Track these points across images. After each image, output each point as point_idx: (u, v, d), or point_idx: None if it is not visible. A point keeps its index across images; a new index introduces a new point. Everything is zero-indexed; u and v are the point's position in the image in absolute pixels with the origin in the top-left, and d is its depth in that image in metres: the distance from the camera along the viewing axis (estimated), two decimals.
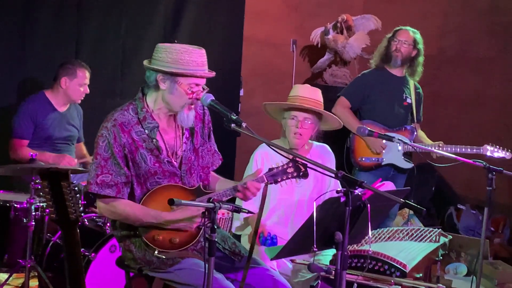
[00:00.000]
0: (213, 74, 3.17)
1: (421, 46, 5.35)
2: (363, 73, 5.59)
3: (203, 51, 3.14)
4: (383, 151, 5.23)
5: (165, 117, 3.21)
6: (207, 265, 2.75)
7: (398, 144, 5.14)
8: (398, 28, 5.46)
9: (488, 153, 5.05)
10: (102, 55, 5.77)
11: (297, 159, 3.17)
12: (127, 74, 5.83)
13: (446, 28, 7.23)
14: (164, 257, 3.10)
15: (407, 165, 5.32)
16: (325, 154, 4.18)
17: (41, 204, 4.15)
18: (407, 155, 5.33)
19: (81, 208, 4.45)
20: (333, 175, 2.82)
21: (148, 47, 5.81)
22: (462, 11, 7.13)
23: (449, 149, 5.09)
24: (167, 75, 3.09)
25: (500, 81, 6.87)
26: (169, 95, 3.13)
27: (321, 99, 4.10)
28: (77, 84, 4.99)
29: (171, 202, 2.74)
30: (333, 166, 4.18)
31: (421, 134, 5.43)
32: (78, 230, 2.49)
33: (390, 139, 4.11)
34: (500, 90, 6.86)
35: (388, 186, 3.83)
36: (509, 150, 5.09)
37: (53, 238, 4.32)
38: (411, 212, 6.33)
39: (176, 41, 3.20)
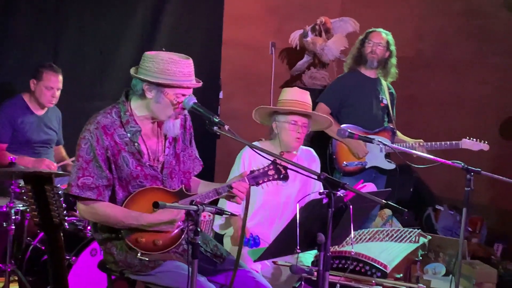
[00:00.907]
0: (199, 84, 3.18)
1: (393, 47, 5.41)
2: (338, 78, 5.64)
3: (190, 61, 3.15)
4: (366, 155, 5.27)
5: (149, 123, 3.22)
6: (190, 268, 2.76)
7: (380, 146, 5.18)
8: (370, 30, 5.51)
9: (467, 146, 5.13)
10: (81, 59, 5.74)
11: (278, 161, 3.20)
12: (106, 78, 5.80)
13: (422, 31, 7.29)
14: (147, 259, 3.10)
15: (390, 166, 5.37)
16: (311, 158, 4.25)
17: (21, 208, 4.13)
18: (389, 156, 5.38)
19: None
20: (316, 177, 2.85)
21: (127, 51, 5.82)
22: (438, 14, 7.19)
23: (428, 145, 5.14)
24: (153, 85, 3.10)
25: (476, 83, 6.95)
26: (155, 104, 3.13)
27: (310, 101, 4.19)
28: (43, 86, 4.95)
29: (155, 205, 2.75)
30: (318, 169, 4.22)
31: (400, 134, 5.48)
32: (61, 234, 2.48)
33: (370, 141, 4.16)
34: (476, 92, 6.94)
35: (369, 187, 3.86)
36: (486, 142, 5.16)
37: (33, 242, 4.30)
38: (390, 213, 6.38)
39: (163, 49, 3.19)
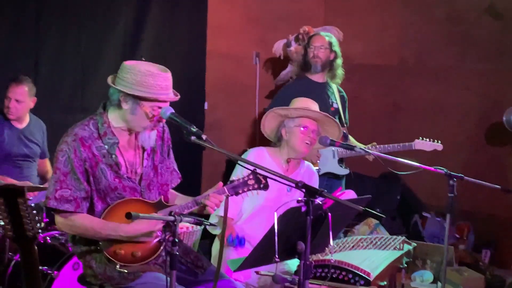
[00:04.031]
0: (177, 98, 3.16)
1: (337, 48, 5.35)
2: (285, 86, 5.59)
3: (169, 74, 3.13)
4: (319, 161, 5.21)
5: (126, 135, 3.20)
6: (168, 278, 2.74)
7: (333, 151, 5.16)
8: (312, 34, 5.50)
9: (420, 147, 5.13)
10: (62, 71, 5.71)
11: (259, 171, 3.18)
12: (87, 90, 5.78)
13: (405, 38, 7.31)
14: (126, 271, 3.07)
15: (344, 171, 5.33)
16: (310, 172, 4.27)
17: (1, 223, 4.08)
18: (342, 161, 5.34)
19: (43, 225, 4.41)
20: (294, 185, 2.83)
21: (109, 63, 5.80)
22: (420, 22, 7.22)
23: (382, 147, 5.11)
24: (129, 96, 3.08)
25: (459, 89, 6.97)
26: (130, 116, 3.11)
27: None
28: (4, 97, 4.91)
29: (128, 215, 2.73)
30: (317, 183, 4.24)
31: (352, 138, 5.42)
32: (36, 247, 2.44)
33: (352, 148, 4.14)
34: (459, 98, 6.96)
35: (349, 194, 3.86)
36: (439, 141, 5.16)
37: (15, 257, 4.26)
38: (377, 221, 6.36)
39: (143, 58, 3.17)
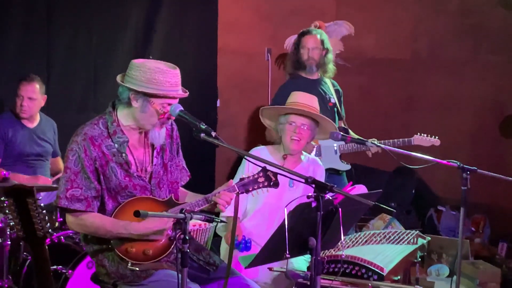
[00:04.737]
0: (186, 94, 3.16)
1: (328, 45, 5.32)
2: (280, 87, 5.48)
3: (177, 71, 3.13)
4: (320, 157, 5.17)
5: (136, 133, 3.20)
6: (180, 276, 2.74)
7: (335, 146, 5.14)
8: (303, 33, 5.38)
9: (418, 142, 5.10)
10: (74, 71, 5.74)
11: (269, 167, 3.17)
12: (99, 89, 5.81)
13: (417, 32, 7.27)
14: (137, 269, 3.08)
15: (345, 167, 5.29)
16: (315, 166, 4.24)
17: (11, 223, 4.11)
18: (343, 157, 5.31)
19: (57, 225, 4.44)
20: (303, 181, 2.82)
21: (120, 62, 5.82)
22: (432, 15, 7.18)
23: (382, 143, 5.08)
24: (139, 94, 3.08)
25: (472, 82, 6.93)
26: (140, 114, 3.12)
27: (318, 107, 4.16)
28: (15, 96, 4.94)
29: (136, 214, 2.73)
30: (323, 178, 4.20)
31: (352, 132, 5.38)
32: (46, 247, 2.46)
33: (363, 142, 4.12)
34: (473, 91, 6.92)
35: (360, 189, 3.83)
36: (436, 137, 5.13)
37: (29, 257, 4.28)
38: (391, 216, 6.33)
39: (150, 57, 3.17)
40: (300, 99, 4.14)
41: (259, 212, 4.08)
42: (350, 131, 5.33)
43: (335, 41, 6.96)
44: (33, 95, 4.96)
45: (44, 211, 2.42)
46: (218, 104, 6.94)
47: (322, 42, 5.31)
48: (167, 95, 3.08)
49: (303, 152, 4.21)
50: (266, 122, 4.30)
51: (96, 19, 5.86)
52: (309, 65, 5.29)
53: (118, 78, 3.17)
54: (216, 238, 5.15)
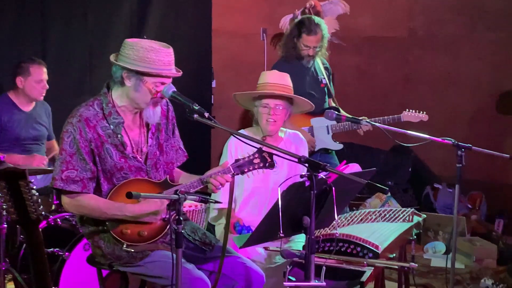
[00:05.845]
0: (179, 73, 3.15)
1: (326, 35, 5.26)
2: (273, 67, 5.34)
3: (171, 50, 3.12)
4: (313, 137, 5.17)
5: (131, 113, 3.20)
6: (175, 256, 2.76)
7: (327, 126, 5.14)
8: (305, 28, 5.19)
9: (408, 119, 5.11)
10: (69, 54, 5.72)
11: (264, 148, 3.17)
12: (95, 72, 5.78)
13: (414, 10, 7.25)
14: (133, 250, 3.10)
15: (337, 146, 5.29)
16: (298, 142, 4.19)
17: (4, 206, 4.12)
18: (335, 136, 5.30)
19: (53, 207, 4.46)
20: (297, 160, 2.83)
21: (115, 44, 5.69)
22: None
23: (372, 121, 5.07)
24: (132, 72, 3.08)
25: (469, 59, 6.92)
26: (134, 92, 3.11)
27: (290, 84, 4.10)
28: (32, 81, 4.92)
29: (129, 195, 2.74)
30: (306, 152, 4.18)
31: (342, 111, 5.34)
32: (40, 230, 2.47)
33: (357, 121, 4.13)
34: (470, 69, 6.91)
35: (353, 168, 3.83)
36: (424, 112, 5.12)
37: None
38: (389, 193, 6.35)
39: (145, 37, 3.16)
40: (271, 79, 4.06)
41: (249, 199, 4.04)
42: (341, 109, 5.32)
43: (330, 20, 6.93)
44: (46, 76, 4.97)
45: (37, 194, 2.42)
46: (213, 85, 6.93)
47: (323, 37, 5.26)
48: (160, 74, 3.07)
49: (281, 128, 4.16)
50: (243, 106, 4.25)
51: (91, 2, 5.83)
52: (307, 59, 5.26)
53: (112, 57, 3.16)
54: None
